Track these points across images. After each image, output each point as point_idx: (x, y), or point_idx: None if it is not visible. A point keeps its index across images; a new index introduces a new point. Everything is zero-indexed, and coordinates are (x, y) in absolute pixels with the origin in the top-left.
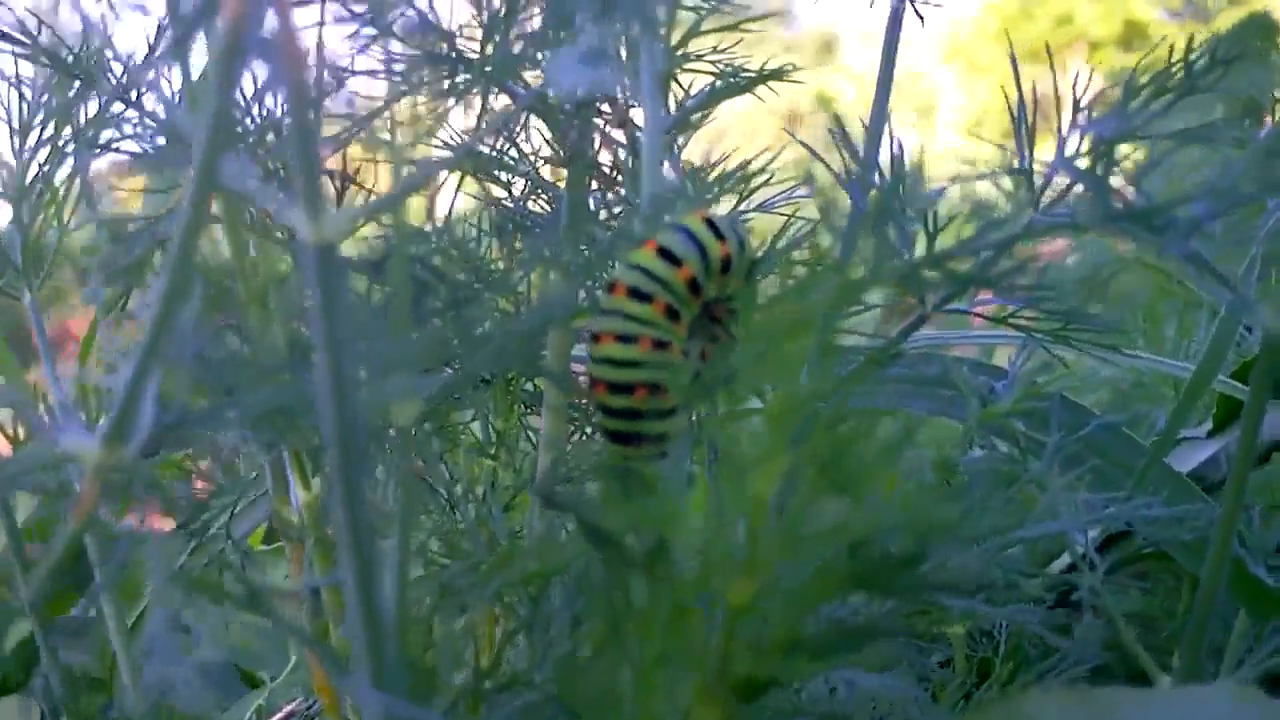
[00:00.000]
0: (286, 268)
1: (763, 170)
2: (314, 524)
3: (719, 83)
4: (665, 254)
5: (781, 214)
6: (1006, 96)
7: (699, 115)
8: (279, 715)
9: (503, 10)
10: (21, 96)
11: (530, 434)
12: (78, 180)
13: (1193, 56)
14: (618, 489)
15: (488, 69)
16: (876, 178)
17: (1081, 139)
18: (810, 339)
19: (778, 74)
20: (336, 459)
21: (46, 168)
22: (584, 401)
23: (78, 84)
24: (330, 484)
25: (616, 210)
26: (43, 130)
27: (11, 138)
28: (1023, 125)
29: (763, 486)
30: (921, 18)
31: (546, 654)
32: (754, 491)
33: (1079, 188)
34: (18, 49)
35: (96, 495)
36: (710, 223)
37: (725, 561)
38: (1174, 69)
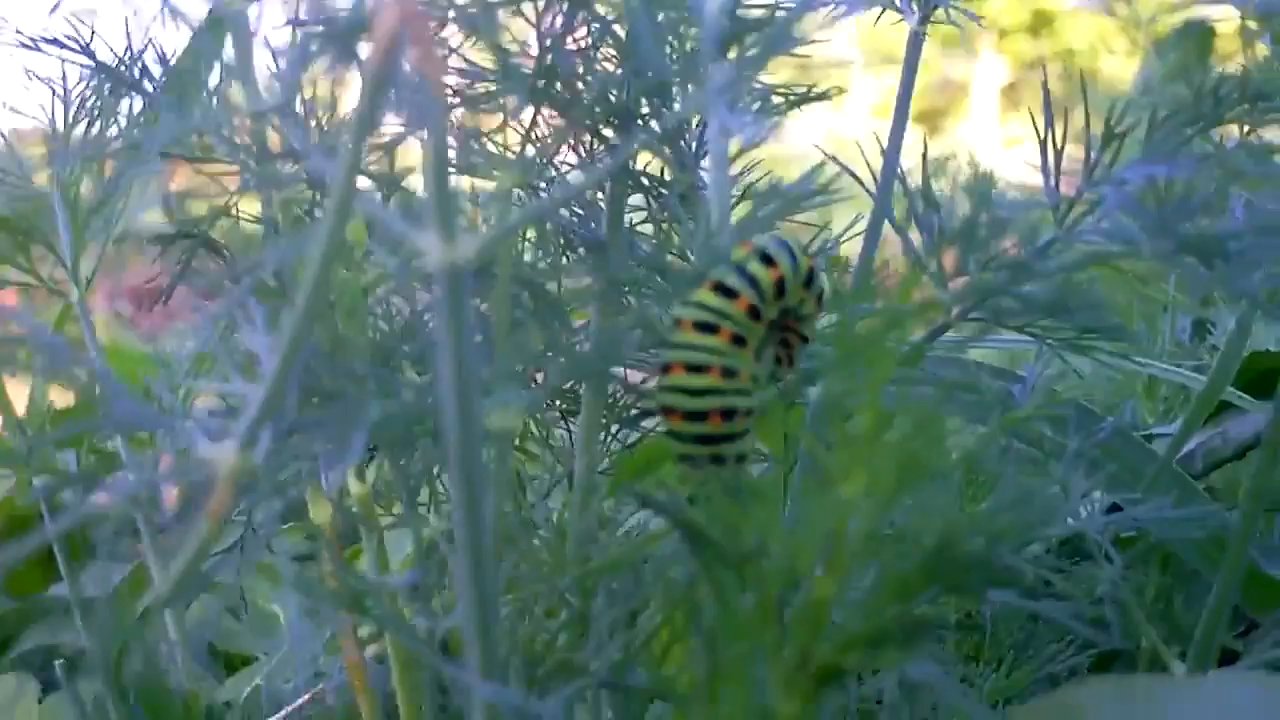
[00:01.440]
0: (372, 281)
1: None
2: (369, 514)
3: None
4: (722, 289)
5: (809, 224)
6: (1035, 126)
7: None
8: (301, 700)
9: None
10: (65, 99)
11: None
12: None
13: (1222, 91)
14: (709, 495)
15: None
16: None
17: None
18: (893, 361)
19: (824, 95)
20: (459, 464)
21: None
22: (621, 402)
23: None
24: (452, 486)
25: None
26: (92, 128)
27: (53, 137)
28: (1049, 150)
29: (849, 493)
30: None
31: (601, 645)
32: (840, 498)
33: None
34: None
35: (230, 497)
36: (762, 253)
37: (812, 561)
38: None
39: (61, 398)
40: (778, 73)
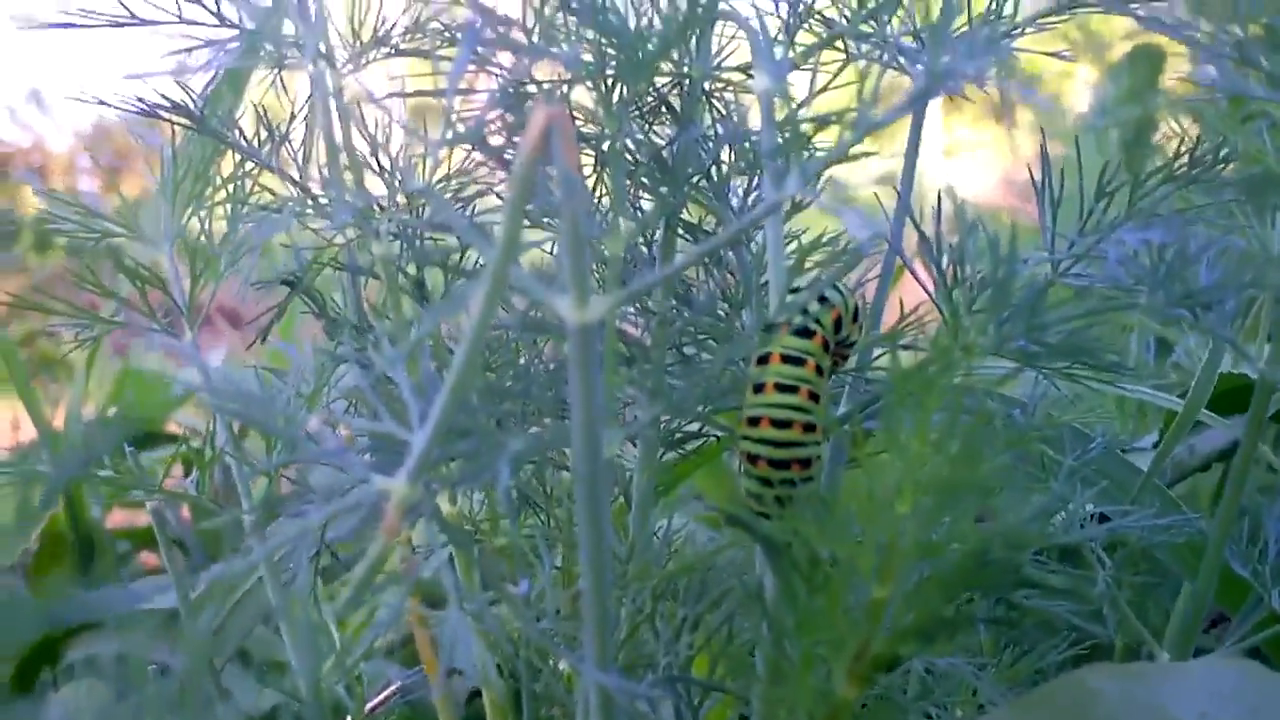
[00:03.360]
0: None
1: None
2: (460, 534)
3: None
4: (801, 331)
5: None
6: (1032, 177)
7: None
8: (382, 695)
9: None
10: (174, 159)
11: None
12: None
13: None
14: (783, 514)
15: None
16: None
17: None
18: (941, 396)
19: (869, 152)
20: (587, 493)
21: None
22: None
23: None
24: (579, 508)
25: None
26: (201, 191)
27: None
28: (1046, 204)
29: (901, 509)
30: None
31: (669, 642)
32: (895, 513)
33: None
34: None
35: (399, 522)
36: (821, 297)
37: (871, 567)
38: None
39: None
40: None
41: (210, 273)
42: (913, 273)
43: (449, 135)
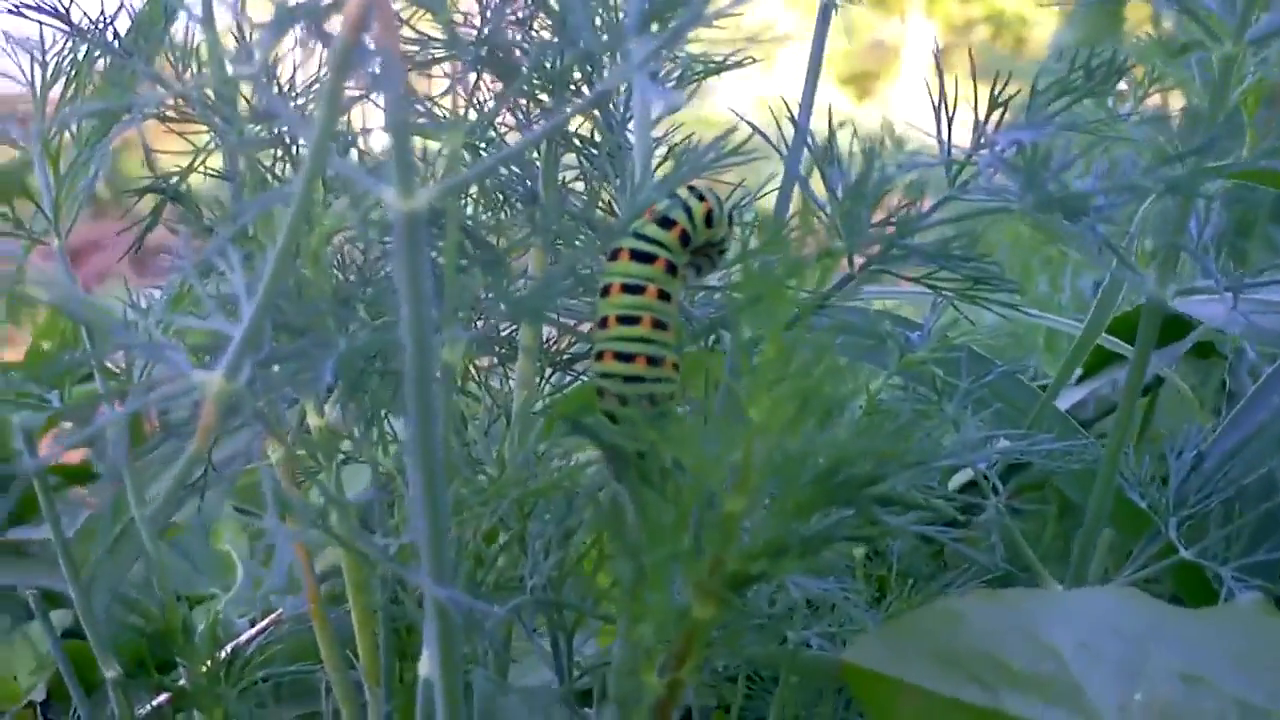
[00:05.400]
0: (331, 229)
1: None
2: (327, 448)
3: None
4: (662, 221)
5: (725, 182)
6: (929, 89)
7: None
8: (263, 623)
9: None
10: (43, 62)
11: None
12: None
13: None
14: (633, 421)
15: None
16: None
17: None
18: (791, 303)
19: (739, 64)
20: (416, 391)
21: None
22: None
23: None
24: (408, 405)
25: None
26: (69, 88)
27: (35, 95)
28: (943, 116)
29: (756, 418)
30: None
31: (536, 564)
32: (748, 423)
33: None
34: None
35: (216, 419)
36: (697, 192)
37: (724, 479)
38: (1073, 76)
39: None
40: (709, 39)
41: (79, 174)
42: (805, 189)
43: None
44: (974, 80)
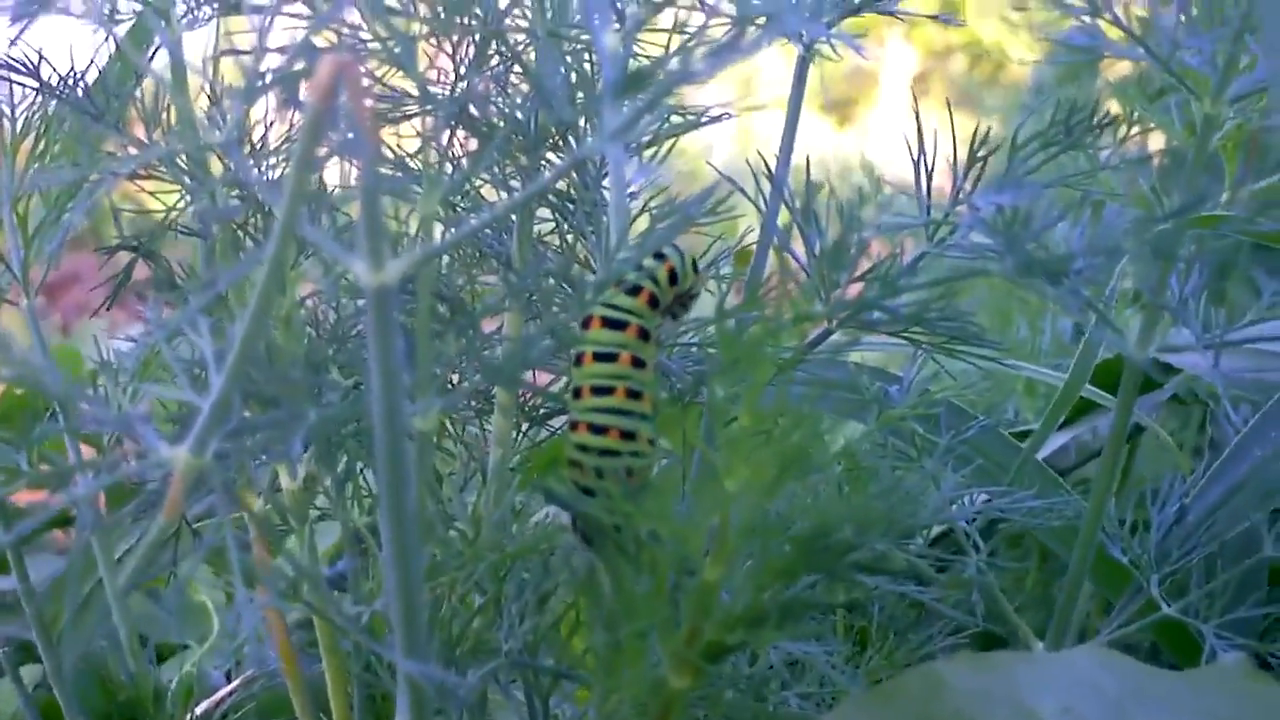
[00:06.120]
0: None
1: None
2: (298, 509)
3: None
4: (629, 290)
5: (705, 234)
6: (909, 148)
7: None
8: (235, 683)
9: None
10: (12, 118)
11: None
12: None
13: (1075, 119)
14: (606, 490)
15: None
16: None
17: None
18: (770, 366)
19: (721, 116)
20: (386, 460)
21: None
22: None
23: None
24: (379, 481)
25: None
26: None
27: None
28: (921, 173)
29: (732, 486)
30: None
31: (513, 626)
32: (725, 491)
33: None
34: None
35: (185, 494)
36: (656, 253)
37: (701, 548)
38: (1053, 130)
39: None
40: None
41: (48, 233)
42: (784, 245)
43: (256, 88)
44: (949, 114)
